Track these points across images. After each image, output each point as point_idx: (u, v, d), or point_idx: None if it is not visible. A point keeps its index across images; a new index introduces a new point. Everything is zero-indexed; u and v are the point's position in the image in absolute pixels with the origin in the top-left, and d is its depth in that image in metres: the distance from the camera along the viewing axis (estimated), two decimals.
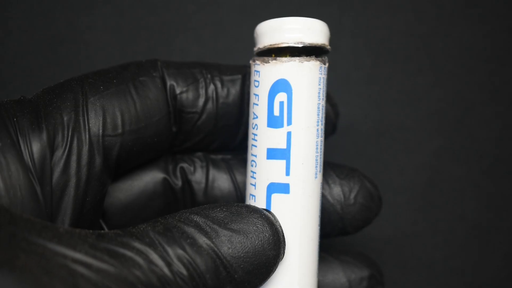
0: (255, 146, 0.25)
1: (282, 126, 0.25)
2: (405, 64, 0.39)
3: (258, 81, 0.25)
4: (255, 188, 0.25)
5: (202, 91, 0.29)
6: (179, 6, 0.39)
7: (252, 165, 0.25)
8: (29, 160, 0.24)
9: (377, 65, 0.39)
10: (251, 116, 0.25)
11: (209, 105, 0.29)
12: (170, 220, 0.23)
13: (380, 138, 0.39)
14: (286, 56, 0.25)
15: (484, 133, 0.39)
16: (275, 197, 0.25)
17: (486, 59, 0.39)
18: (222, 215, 0.24)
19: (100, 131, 0.26)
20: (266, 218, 0.24)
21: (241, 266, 0.23)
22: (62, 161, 0.25)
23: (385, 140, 0.39)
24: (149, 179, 0.30)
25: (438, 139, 0.39)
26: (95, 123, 0.26)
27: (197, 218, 0.23)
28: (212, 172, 0.30)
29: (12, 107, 0.25)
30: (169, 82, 0.28)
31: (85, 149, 0.25)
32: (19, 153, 0.24)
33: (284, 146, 0.25)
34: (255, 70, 0.25)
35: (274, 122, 0.25)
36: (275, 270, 0.24)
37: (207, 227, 0.23)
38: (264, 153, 0.25)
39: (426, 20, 0.39)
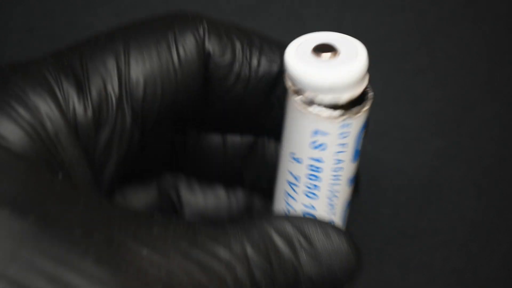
0: (339, 179, 0.25)
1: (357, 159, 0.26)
2: (405, 64, 0.39)
3: (348, 132, 0.24)
4: (334, 212, 0.26)
5: (232, 74, 0.26)
6: (179, 6, 0.39)
7: (332, 192, 0.25)
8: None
9: (377, 65, 0.39)
10: (334, 157, 0.25)
11: (236, 89, 0.26)
12: (266, 225, 0.22)
13: (380, 138, 0.39)
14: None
15: (484, 133, 0.39)
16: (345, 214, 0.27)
17: (486, 59, 0.39)
18: (313, 233, 0.22)
19: (140, 105, 0.24)
20: (353, 249, 0.23)
21: None
22: (105, 139, 0.23)
23: (385, 140, 0.39)
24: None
25: (438, 139, 0.39)
26: (136, 96, 0.24)
27: (290, 229, 0.22)
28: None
29: (56, 70, 0.23)
30: (207, 49, 0.25)
31: (128, 125, 0.24)
32: (70, 125, 0.23)
33: (354, 173, 0.26)
34: (344, 124, 0.24)
35: (356, 156, 0.25)
36: None
37: (297, 243, 0.22)
38: (347, 182, 0.25)
39: (426, 20, 0.39)
